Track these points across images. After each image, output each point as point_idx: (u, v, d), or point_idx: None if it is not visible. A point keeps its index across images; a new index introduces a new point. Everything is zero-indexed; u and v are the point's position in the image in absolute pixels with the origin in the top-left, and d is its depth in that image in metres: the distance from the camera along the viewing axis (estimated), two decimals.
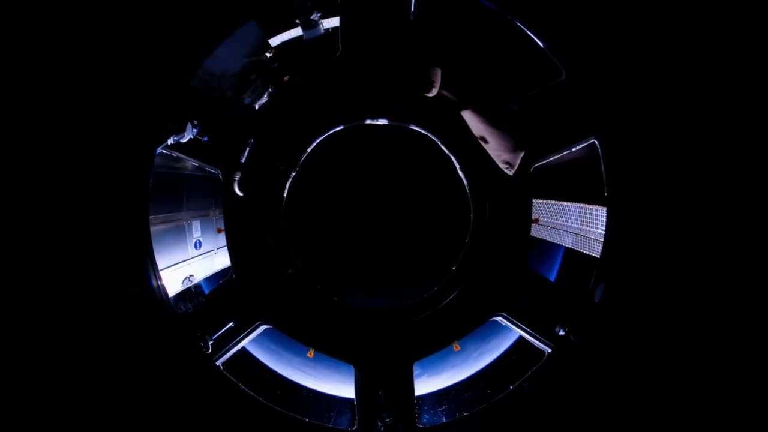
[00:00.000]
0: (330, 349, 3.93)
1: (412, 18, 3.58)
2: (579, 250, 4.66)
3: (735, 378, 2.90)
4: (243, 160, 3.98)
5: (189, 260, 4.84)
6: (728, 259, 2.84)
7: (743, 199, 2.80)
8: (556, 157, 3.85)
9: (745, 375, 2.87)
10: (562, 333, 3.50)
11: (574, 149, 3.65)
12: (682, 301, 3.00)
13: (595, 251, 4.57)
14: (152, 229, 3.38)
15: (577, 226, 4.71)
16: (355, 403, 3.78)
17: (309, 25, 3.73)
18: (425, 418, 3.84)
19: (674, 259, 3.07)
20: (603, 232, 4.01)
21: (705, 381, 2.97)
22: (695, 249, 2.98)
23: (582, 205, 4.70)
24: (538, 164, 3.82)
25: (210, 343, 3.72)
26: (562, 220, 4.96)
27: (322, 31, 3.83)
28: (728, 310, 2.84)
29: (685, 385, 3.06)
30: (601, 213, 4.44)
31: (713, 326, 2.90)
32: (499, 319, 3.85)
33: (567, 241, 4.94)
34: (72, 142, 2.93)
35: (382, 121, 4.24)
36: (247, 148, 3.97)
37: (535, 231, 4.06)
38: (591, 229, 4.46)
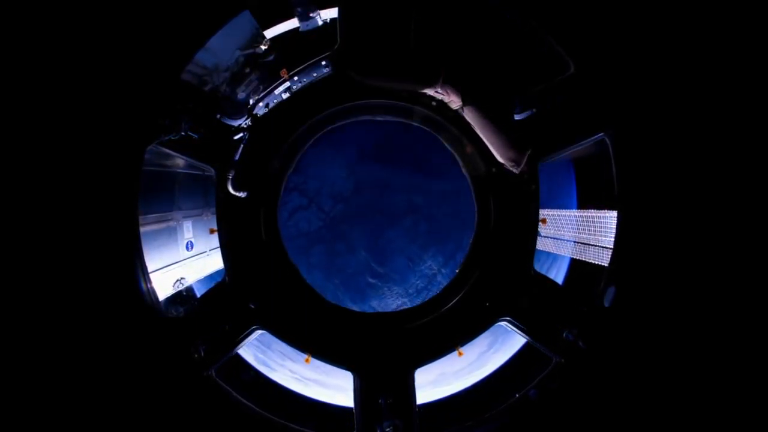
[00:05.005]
0: (328, 355, 3.79)
1: (413, 11, 3.46)
2: (585, 259, 4.55)
3: (753, 384, 2.79)
4: (237, 158, 3.82)
5: (180, 262, 4.69)
6: (748, 261, 2.73)
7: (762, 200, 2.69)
8: (562, 155, 3.74)
9: (762, 380, 2.76)
10: (570, 338, 3.38)
11: (581, 146, 3.55)
12: (698, 305, 2.88)
13: (599, 259, 4.49)
14: (141, 229, 3.24)
15: (584, 235, 4.61)
16: (354, 411, 3.64)
17: (306, 16, 3.59)
18: (427, 427, 3.71)
19: (688, 261, 2.95)
20: (607, 238, 3.92)
21: (721, 391, 2.85)
22: (710, 249, 2.87)
23: (584, 211, 4.61)
24: (545, 162, 3.68)
25: (202, 349, 3.57)
26: (565, 231, 4.87)
27: (320, 23, 3.70)
28: (750, 314, 2.72)
29: (699, 394, 2.94)
30: (605, 217, 4.35)
31: (732, 332, 2.78)
32: (504, 324, 3.72)
33: (571, 252, 4.85)
34: (58, 139, 2.80)
35: (382, 118, 4.11)
36: (241, 146, 3.81)
37: (539, 244, 3.91)
38: (598, 237, 4.36)
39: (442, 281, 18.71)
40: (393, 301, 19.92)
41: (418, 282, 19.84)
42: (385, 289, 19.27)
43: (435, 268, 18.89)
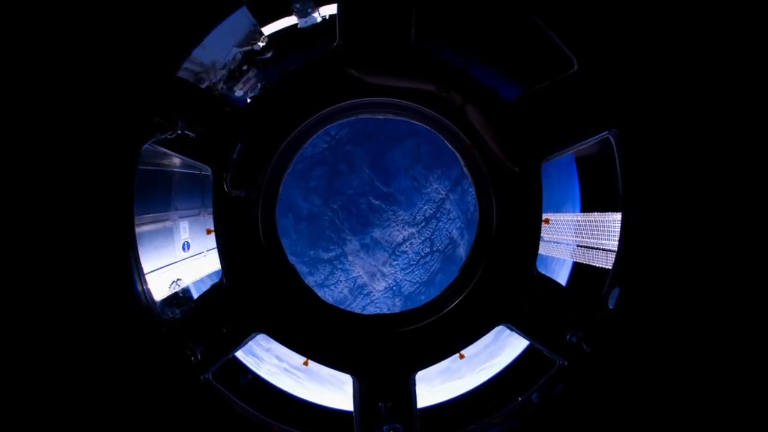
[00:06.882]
0: (328, 358, 3.73)
1: (414, 7, 3.41)
2: (588, 263, 4.49)
3: (759, 386, 2.73)
4: (235, 156, 3.76)
5: (177, 263, 4.64)
6: (754, 264, 2.67)
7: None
8: (566, 154, 3.68)
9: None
10: (574, 341, 3.32)
11: (585, 145, 3.49)
12: (704, 305, 2.83)
13: (603, 262, 4.43)
14: (137, 230, 3.19)
15: (587, 238, 4.55)
16: (354, 414, 3.59)
17: (304, 12, 3.54)
18: (427, 431, 3.65)
19: (694, 261, 2.89)
20: (612, 241, 3.84)
21: (726, 394, 2.80)
22: (717, 249, 2.81)
23: (588, 214, 4.55)
24: (548, 161, 3.62)
25: (199, 351, 3.51)
26: (567, 234, 4.81)
27: (319, 19, 3.65)
28: (756, 317, 2.67)
29: (704, 396, 2.89)
30: (609, 219, 4.29)
31: (738, 336, 2.73)
32: (506, 326, 3.66)
33: (574, 255, 4.78)
34: (52, 138, 2.75)
35: (382, 116, 4.04)
36: (239, 144, 3.75)
37: (540, 247, 3.83)
38: (602, 241, 4.30)
39: (452, 209, 16.86)
40: (399, 232, 17.08)
41: (425, 207, 16.95)
42: (390, 213, 16.75)
43: (443, 192, 16.82)
